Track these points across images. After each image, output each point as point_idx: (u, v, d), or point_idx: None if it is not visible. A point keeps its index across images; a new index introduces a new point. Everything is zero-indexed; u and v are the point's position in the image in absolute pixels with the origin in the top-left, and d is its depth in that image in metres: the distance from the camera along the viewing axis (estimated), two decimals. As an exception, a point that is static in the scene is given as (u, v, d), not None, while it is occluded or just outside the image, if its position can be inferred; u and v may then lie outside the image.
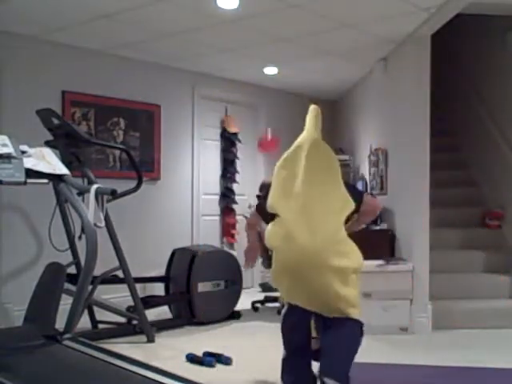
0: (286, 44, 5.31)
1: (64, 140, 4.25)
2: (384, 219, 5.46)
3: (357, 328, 2.86)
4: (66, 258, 4.19)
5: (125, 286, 4.52)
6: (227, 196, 6.79)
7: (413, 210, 5.02)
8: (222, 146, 6.83)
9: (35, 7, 4.38)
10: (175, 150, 6.29)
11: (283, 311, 3.11)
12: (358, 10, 4.40)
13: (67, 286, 3.86)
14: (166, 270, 5.33)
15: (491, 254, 5.52)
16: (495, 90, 6.07)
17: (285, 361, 3.08)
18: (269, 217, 3.08)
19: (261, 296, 6.25)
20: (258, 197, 3.31)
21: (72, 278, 4.06)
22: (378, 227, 5.39)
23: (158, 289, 5.45)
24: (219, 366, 3.87)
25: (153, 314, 5.00)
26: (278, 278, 3.02)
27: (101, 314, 4.68)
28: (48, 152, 3.72)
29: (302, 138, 3.05)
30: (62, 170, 3.63)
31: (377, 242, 5.12)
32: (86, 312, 4.46)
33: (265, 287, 6.89)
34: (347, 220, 2.96)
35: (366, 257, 3.02)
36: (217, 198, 6.81)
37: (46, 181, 3.72)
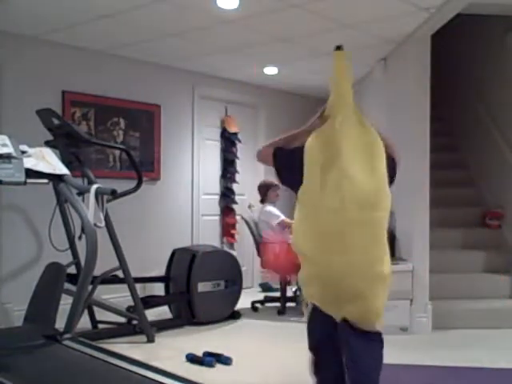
0: (286, 44, 5.31)
1: (64, 140, 4.25)
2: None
3: (380, 340, 2.64)
4: (66, 257, 4.20)
5: (125, 286, 4.52)
6: (227, 196, 6.79)
7: (413, 210, 5.02)
8: (221, 146, 6.83)
9: (35, 7, 4.38)
10: (175, 150, 6.29)
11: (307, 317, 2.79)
12: (358, 10, 4.40)
13: (67, 285, 3.87)
14: (166, 270, 5.33)
15: (491, 254, 5.52)
16: (495, 90, 6.07)
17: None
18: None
19: (260, 296, 6.25)
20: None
21: (72, 278, 4.07)
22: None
23: (158, 289, 5.45)
24: (219, 366, 3.87)
25: (153, 314, 4.99)
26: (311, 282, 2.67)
27: (101, 314, 4.68)
28: (48, 152, 3.73)
29: (334, 103, 2.58)
30: (62, 170, 3.63)
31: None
32: (86, 312, 4.46)
33: (265, 287, 6.90)
34: None
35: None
36: (217, 197, 6.81)
37: (46, 181, 3.73)
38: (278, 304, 5.80)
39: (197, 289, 5.06)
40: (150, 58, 5.87)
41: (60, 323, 3.32)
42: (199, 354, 3.98)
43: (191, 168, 6.46)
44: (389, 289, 2.60)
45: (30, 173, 3.44)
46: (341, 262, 2.50)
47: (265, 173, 6.47)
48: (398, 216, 5.33)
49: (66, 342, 2.78)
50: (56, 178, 3.64)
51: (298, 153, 2.61)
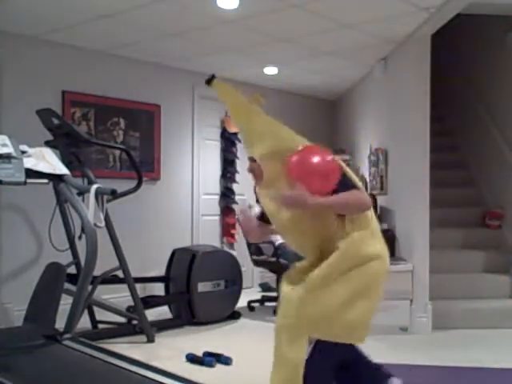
0: (286, 44, 5.31)
1: (64, 140, 4.25)
2: (384, 219, 5.46)
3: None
4: (66, 257, 4.20)
5: (125, 286, 4.52)
6: (227, 196, 6.79)
7: (413, 210, 5.02)
8: (221, 146, 6.82)
9: (35, 7, 4.38)
10: (175, 150, 6.29)
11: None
12: (358, 10, 4.40)
13: (67, 285, 3.87)
14: (166, 270, 5.33)
15: (491, 254, 5.52)
16: (495, 90, 6.07)
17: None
18: None
19: (258, 295, 6.24)
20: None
21: (72, 278, 4.07)
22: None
23: (158, 289, 5.45)
24: (219, 366, 3.87)
25: (153, 314, 4.99)
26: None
27: (101, 314, 4.68)
28: (48, 152, 3.73)
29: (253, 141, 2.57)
30: (62, 170, 3.64)
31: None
32: (86, 312, 4.46)
33: (264, 287, 6.90)
34: None
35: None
36: (217, 197, 6.81)
37: (46, 181, 3.74)
38: (274, 303, 5.79)
39: (197, 289, 5.06)
40: (150, 58, 5.87)
41: (60, 323, 3.33)
42: (199, 354, 3.98)
43: (191, 168, 6.46)
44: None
45: (30, 173, 3.44)
46: None
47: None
48: (398, 216, 5.33)
49: (66, 342, 2.79)
50: (56, 178, 3.64)
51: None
